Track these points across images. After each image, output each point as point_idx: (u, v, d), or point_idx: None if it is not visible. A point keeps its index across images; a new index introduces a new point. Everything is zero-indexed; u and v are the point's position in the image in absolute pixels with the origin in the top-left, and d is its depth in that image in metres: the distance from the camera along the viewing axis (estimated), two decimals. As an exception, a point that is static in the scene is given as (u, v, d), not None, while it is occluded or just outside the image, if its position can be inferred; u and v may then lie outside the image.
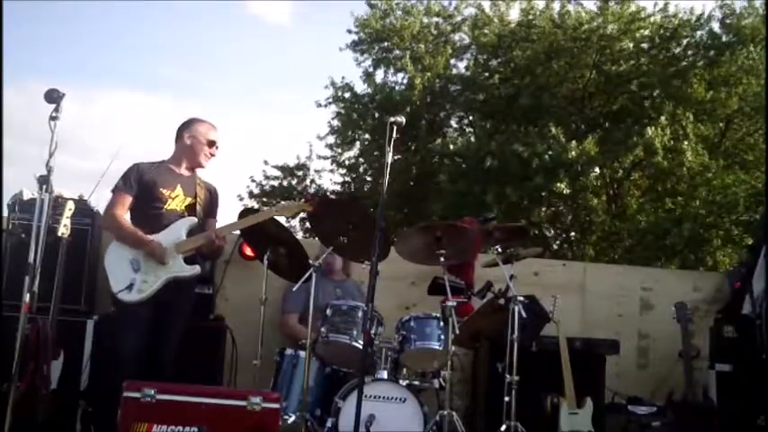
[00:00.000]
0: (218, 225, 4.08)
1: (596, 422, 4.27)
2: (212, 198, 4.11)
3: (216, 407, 3.18)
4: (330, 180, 14.63)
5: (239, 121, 21.70)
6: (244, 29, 22.57)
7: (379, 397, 3.80)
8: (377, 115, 12.82)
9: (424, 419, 3.78)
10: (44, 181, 3.22)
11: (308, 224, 10.49)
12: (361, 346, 3.88)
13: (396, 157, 11.88)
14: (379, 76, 13.44)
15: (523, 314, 3.89)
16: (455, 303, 3.95)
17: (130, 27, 20.02)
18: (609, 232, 12.06)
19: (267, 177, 14.48)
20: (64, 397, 3.99)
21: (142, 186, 3.88)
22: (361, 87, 13.37)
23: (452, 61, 13.25)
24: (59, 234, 3.73)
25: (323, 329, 4.00)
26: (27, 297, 3.18)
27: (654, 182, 12.12)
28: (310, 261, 3.87)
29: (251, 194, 14.40)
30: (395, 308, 4.87)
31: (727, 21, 11.54)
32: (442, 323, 4.03)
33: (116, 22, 20.00)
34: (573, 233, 12.96)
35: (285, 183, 14.44)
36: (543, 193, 11.03)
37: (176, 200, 3.92)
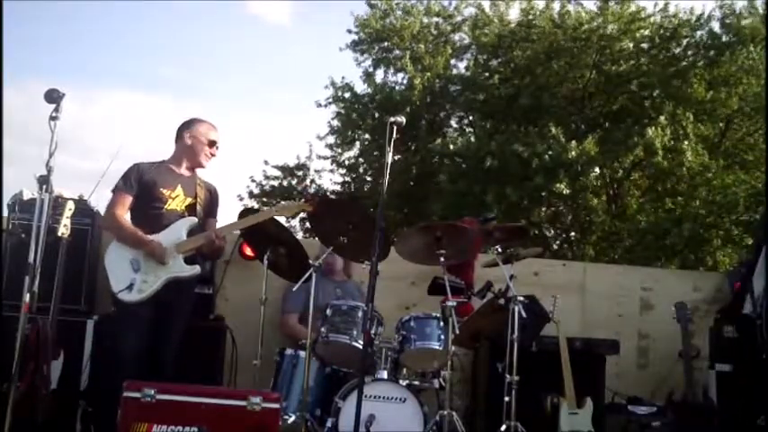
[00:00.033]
0: (218, 225, 4.08)
1: (596, 422, 4.27)
2: (212, 198, 4.11)
3: (216, 407, 3.18)
4: (330, 180, 14.66)
5: (239, 121, 21.75)
6: (244, 29, 22.61)
7: (379, 397, 3.80)
8: (377, 115, 12.83)
9: (424, 419, 3.78)
10: (44, 181, 3.22)
11: (308, 224, 10.49)
12: (361, 346, 3.88)
13: (396, 157, 11.89)
14: (379, 76, 13.48)
15: (523, 314, 3.89)
16: (455, 303, 3.95)
17: (130, 27, 20.05)
18: (609, 232, 12.06)
19: (267, 177, 14.51)
20: (64, 397, 3.99)
21: (142, 186, 3.88)
22: (361, 87, 13.41)
23: (452, 61, 13.26)
24: (59, 234, 3.73)
25: (323, 329, 4.00)
26: (27, 297, 3.18)
27: (654, 182, 12.12)
28: (310, 261, 3.87)
29: (251, 194, 14.42)
30: (395, 308, 4.87)
31: (727, 21, 11.54)
32: (441, 323, 4.03)
33: (116, 22, 20.03)
34: (573, 233, 12.96)
35: (285, 183, 14.44)
36: (543, 193, 11.04)
37: (176, 200, 3.92)
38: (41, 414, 3.67)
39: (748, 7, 11.50)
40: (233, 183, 16.49)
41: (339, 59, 18.21)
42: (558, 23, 11.87)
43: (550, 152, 10.23)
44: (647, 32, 11.81)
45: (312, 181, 14.56)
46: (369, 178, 14.35)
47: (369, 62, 13.58)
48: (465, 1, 13.29)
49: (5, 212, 4.43)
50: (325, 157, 14.38)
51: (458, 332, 3.90)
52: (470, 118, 13.43)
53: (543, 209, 12.45)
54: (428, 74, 12.43)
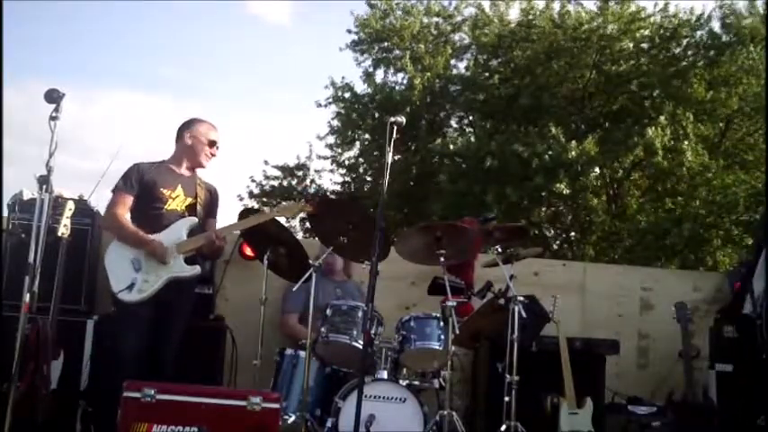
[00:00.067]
0: (218, 225, 4.08)
1: (596, 422, 4.27)
2: (212, 198, 4.11)
3: (216, 407, 3.18)
4: (330, 180, 14.66)
5: (239, 121, 21.75)
6: (244, 29, 22.61)
7: (379, 397, 3.80)
8: (377, 115, 12.83)
9: (424, 419, 3.78)
10: (44, 181, 3.22)
11: (308, 224, 10.49)
12: (361, 346, 3.88)
13: (396, 157, 11.89)
14: (379, 76, 13.48)
15: (523, 314, 3.89)
16: (455, 303, 3.95)
17: (130, 27, 20.05)
18: (609, 232, 12.06)
19: (267, 177, 14.51)
20: (64, 397, 3.99)
21: (143, 186, 3.88)
22: (361, 87, 13.41)
23: (452, 61, 13.26)
24: (59, 234, 3.73)
25: (323, 329, 4.00)
26: (27, 297, 3.17)
27: (654, 182, 12.13)
28: (310, 261, 3.87)
29: (251, 194, 14.42)
30: (395, 308, 4.87)
31: (728, 21, 11.54)
32: (441, 323, 4.03)
33: (116, 22, 20.03)
34: (573, 233, 12.96)
35: (285, 183, 14.45)
36: (543, 193, 11.04)
37: (177, 200, 3.92)
38: (41, 414, 3.67)
39: (748, 7, 11.51)
40: (233, 183, 16.52)
41: (339, 59, 18.25)
42: (558, 23, 11.87)
43: (550, 152, 10.23)
44: (647, 32, 11.81)
45: (312, 181, 14.58)
46: (369, 178, 14.35)
47: (369, 62, 13.60)
48: (465, 1, 13.30)
49: (5, 212, 4.43)
50: (325, 157, 14.41)
51: (458, 332, 3.90)
52: (470, 118, 13.43)
53: (543, 209, 12.45)
54: (428, 74, 12.43)
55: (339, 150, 14.38)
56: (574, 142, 10.35)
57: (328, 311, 4.08)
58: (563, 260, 7.97)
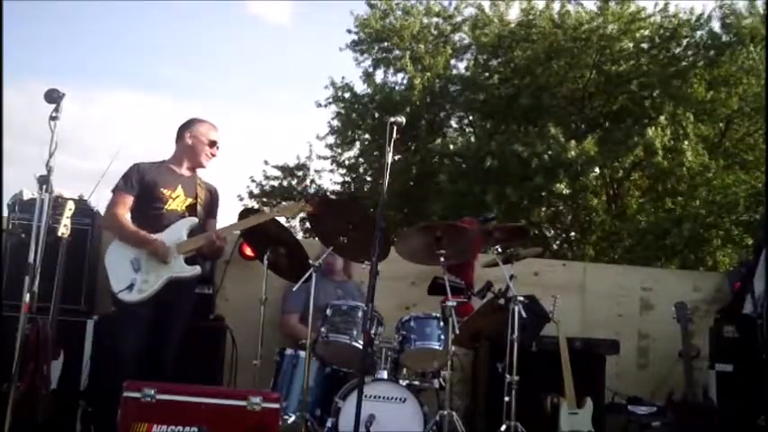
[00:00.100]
0: (218, 225, 4.08)
1: (596, 422, 4.27)
2: (213, 198, 4.11)
3: (216, 407, 3.18)
4: (330, 180, 14.66)
5: (239, 121, 21.74)
6: (244, 29, 22.60)
7: (379, 397, 3.80)
8: (377, 115, 12.82)
9: (424, 419, 3.78)
10: (44, 181, 3.22)
11: (308, 224, 10.49)
12: (361, 346, 3.88)
13: (396, 157, 11.89)
14: (379, 76, 13.46)
15: (523, 314, 3.89)
16: (455, 303, 3.95)
17: (130, 27, 20.04)
18: (609, 232, 12.06)
19: (267, 177, 14.50)
20: (64, 397, 3.99)
21: (143, 186, 3.88)
22: (360, 87, 13.39)
23: (452, 61, 13.25)
24: (59, 234, 3.73)
25: (323, 329, 4.00)
26: (27, 297, 3.18)
27: (654, 182, 12.12)
28: (310, 261, 3.87)
29: (251, 194, 14.41)
30: (395, 308, 4.87)
31: (728, 21, 11.54)
32: (441, 323, 4.03)
33: (116, 22, 20.03)
34: (573, 233, 12.97)
35: (285, 183, 14.44)
36: (543, 193, 11.03)
37: (177, 200, 3.92)
38: (41, 414, 3.67)
39: (749, 7, 11.51)
40: (233, 183, 16.52)
41: (339, 59, 18.21)
42: (558, 23, 11.87)
43: (550, 152, 10.23)
44: (647, 32, 11.80)
45: (312, 181, 14.57)
46: (369, 178, 14.34)
47: (369, 62, 13.58)
48: (465, 1, 13.29)
49: (5, 212, 4.43)
50: (325, 157, 14.40)
51: (458, 332, 3.90)
52: (470, 118, 13.43)
53: (543, 209, 12.45)
54: (428, 74, 12.43)
55: (339, 150, 14.38)
56: (573, 142, 10.35)
57: (328, 311, 4.08)
58: (563, 260, 7.97)
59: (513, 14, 12.74)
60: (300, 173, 14.53)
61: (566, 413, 4.23)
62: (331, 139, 14.25)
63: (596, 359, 4.69)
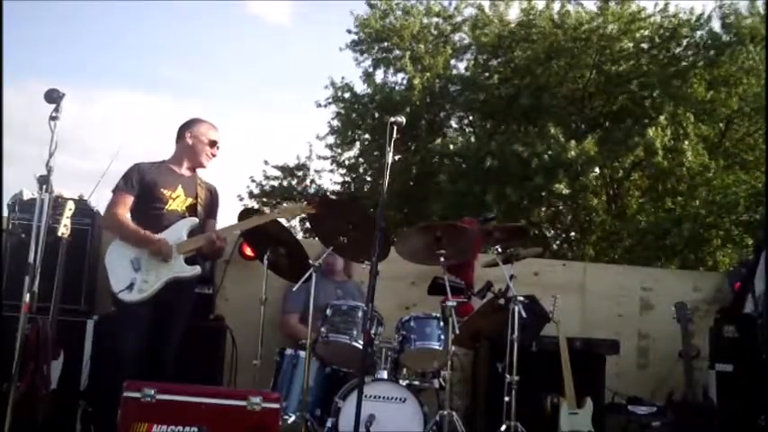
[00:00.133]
0: (218, 225, 4.08)
1: (596, 422, 4.27)
2: (213, 198, 4.11)
3: (216, 407, 3.18)
4: (330, 180, 14.66)
5: (239, 121, 21.74)
6: (244, 29, 22.61)
7: (379, 397, 3.80)
8: (377, 115, 12.82)
9: (424, 419, 3.78)
10: (44, 181, 3.22)
11: (308, 224, 10.49)
12: (361, 346, 3.88)
13: (396, 157, 11.88)
14: (379, 76, 13.47)
15: (523, 314, 3.89)
16: (455, 303, 3.95)
17: (130, 27, 20.05)
18: (609, 232, 12.07)
19: (267, 177, 14.50)
20: (64, 397, 3.99)
21: (143, 187, 3.88)
22: (360, 87, 13.40)
23: (452, 61, 13.25)
24: (59, 234, 3.73)
25: (323, 329, 4.00)
26: (27, 297, 3.17)
27: (654, 182, 12.13)
28: (310, 261, 3.87)
29: (251, 194, 14.41)
30: (395, 308, 4.87)
31: (728, 21, 11.54)
32: (441, 323, 4.03)
33: (116, 22, 20.03)
34: (573, 233, 12.97)
35: (285, 183, 14.44)
36: (543, 193, 11.04)
37: (177, 200, 3.92)
38: (41, 414, 3.67)
39: (749, 7, 11.51)
40: (233, 183, 16.52)
41: (339, 59, 18.21)
42: (558, 23, 11.87)
43: (550, 152, 10.23)
44: (647, 32, 11.80)
45: (312, 181, 14.57)
46: (369, 178, 14.34)
47: (369, 62, 13.59)
48: (465, 1, 13.30)
49: (5, 212, 4.43)
50: (325, 158, 14.40)
51: (458, 332, 3.90)
52: (470, 118, 13.43)
53: (543, 209, 12.45)
54: (428, 74, 12.43)
55: (339, 150, 14.38)
56: (573, 142, 10.35)
57: (328, 311, 4.08)
58: (563, 260, 7.97)
59: (513, 14, 12.76)
60: (300, 173, 14.54)
61: (566, 413, 4.23)
62: (331, 139, 14.28)
63: (596, 359, 4.69)
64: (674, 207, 11.59)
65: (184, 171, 4.02)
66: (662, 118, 10.65)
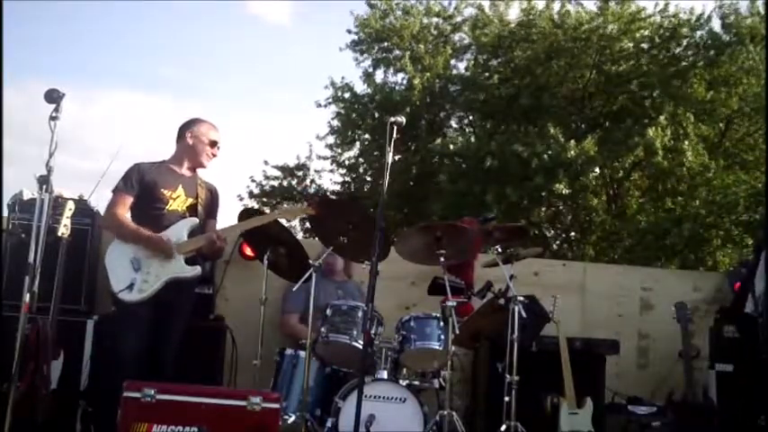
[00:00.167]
0: (218, 225, 4.08)
1: (596, 422, 4.27)
2: (213, 198, 4.11)
3: (216, 407, 3.18)
4: (330, 180, 14.66)
5: (239, 121, 21.74)
6: (244, 29, 22.61)
7: (379, 397, 3.80)
8: (377, 115, 12.82)
9: (424, 419, 3.78)
10: (44, 181, 3.22)
11: (308, 224, 10.49)
12: (361, 346, 3.88)
13: (396, 157, 11.89)
14: (379, 76, 13.47)
15: (523, 314, 3.89)
16: (455, 303, 3.95)
17: (130, 27, 20.05)
18: (609, 232, 12.07)
19: (267, 177, 14.50)
20: (64, 397, 3.99)
21: (143, 187, 3.87)
22: (360, 87, 13.40)
23: (452, 62, 13.25)
24: (59, 234, 3.73)
25: (323, 329, 4.00)
26: (27, 297, 3.17)
27: (654, 182, 12.13)
28: (310, 261, 3.87)
29: (251, 194, 14.41)
30: (395, 308, 4.87)
31: (728, 21, 11.54)
32: (441, 323, 4.03)
33: (116, 22, 20.04)
34: (573, 233, 12.97)
35: (285, 183, 14.44)
36: (543, 193, 11.04)
37: (178, 200, 3.91)
38: (41, 414, 3.67)
39: (749, 7, 11.51)
40: (233, 183, 16.52)
41: (339, 59, 18.21)
42: (558, 23, 11.87)
43: (550, 152, 10.23)
44: (647, 32, 11.80)
45: (312, 181, 14.57)
46: (369, 178, 14.35)
47: (369, 62, 13.59)
48: (465, 1, 13.30)
49: (5, 212, 4.43)
50: (325, 158, 14.40)
51: (458, 332, 3.90)
52: (470, 118, 13.43)
53: (543, 209, 12.45)
54: (428, 74, 12.43)
55: (339, 150, 14.38)
56: (573, 142, 10.35)
57: (328, 311, 4.08)
58: (563, 260, 7.97)
59: (513, 14, 12.77)
60: (300, 173, 14.54)
61: (566, 413, 4.23)
62: (331, 139, 14.28)
63: (596, 359, 4.69)
64: (674, 207, 11.59)
65: (185, 171, 4.02)
66: (662, 118, 10.65)
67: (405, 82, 12.96)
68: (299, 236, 11.10)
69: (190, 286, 3.98)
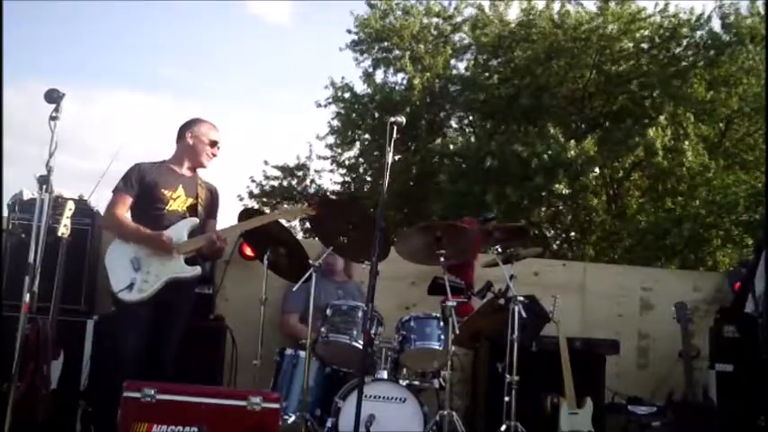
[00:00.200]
0: (218, 225, 4.08)
1: (596, 422, 4.27)
2: (213, 198, 4.11)
3: (216, 407, 3.18)
4: (330, 180, 14.66)
5: (239, 121, 21.74)
6: (244, 29, 22.61)
7: (379, 397, 3.80)
8: (377, 115, 12.82)
9: (424, 419, 3.78)
10: (44, 181, 3.22)
11: (308, 224, 10.48)
12: (361, 346, 3.88)
13: (396, 157, 11.89)
14: (379, 76, 13.47)
15: (523, 314, 3.89)
16: (455, 303, 3.95)
17: (130, 27, 20.06)
18: (609, 232, 12.07)
19: (267, 177, 14.50)
20: (64, 397, 3.99)
21: (143, 187, 3.87)
22: (360, 87, 13.40)
23: (452, 62, 13.25)
24: (59, 234, 3.73)
25: (323, 329, 4.00)
26: (27, 297, 3.17)
27: (654, 182, 12.13)
28: (310, 261, 3.87)
29: (251, 194, 14.41)
30: (395, 308, 4.88)
31: (728, 21, 11.54)
32: (442, 323, 4.03)
33: (116, 22, 20.04)
34: (573, 233, 12.97)
35: (285, 183, 14.44)
36: (543, 193, 11.04)
37: (178, 200, 3.91)
38: (41, 414, 3.67)
39: (749, 7, 11.51)
40: (233, 183, 16.52)
41: (339, 59, 18.21)
42: (558, 23, 11.87)
43: (550, 152, 10.23)
44: (647, 32, 11.80)
45: (312, 181, 14.57)
46: (369, 178, 14.35)
47: (369, 62, 13.59)
48: (465, 1, 13.30)
49: (5, 212, 4.43)
50: (325, 158, 14.40)
51: (458, 332, 3.90)
52: (470, 118, 13.43)
53: (543, 209, 12.45)
54: (428, 74, 12.43)
55: (339, 150, 14.38)
56: (573, 142, 10.35)
57: (328, 311, 4.08)
58: (563, 260, 7.97)
59: (513, 14, 12.77)
60: (300, 173, 14.54)
61: (566, 413, 4.23)
62: (331, 139, 14.28)
63: (596, 359, 4.69)
64: (674, 207, 11.59)
65: (185, 171, 4.02)
66: (662, 118, 10.65)
67: (405, 82, 12.96)
68: (299, 236, 11.10)
69: (190, 286, 3.98)
